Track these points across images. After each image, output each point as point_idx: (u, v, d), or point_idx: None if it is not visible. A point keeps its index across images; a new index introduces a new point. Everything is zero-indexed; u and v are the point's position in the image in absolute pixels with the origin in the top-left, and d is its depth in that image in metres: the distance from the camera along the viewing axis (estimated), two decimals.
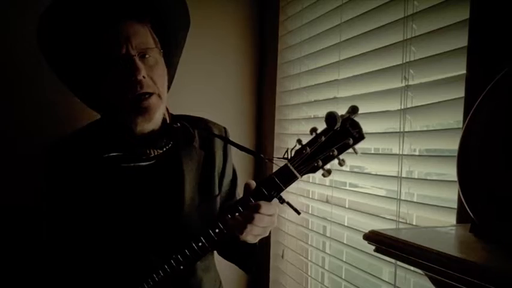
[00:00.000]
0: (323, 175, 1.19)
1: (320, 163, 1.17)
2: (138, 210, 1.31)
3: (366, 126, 1.53)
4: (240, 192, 1.52)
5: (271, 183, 1.19)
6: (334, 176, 1.68)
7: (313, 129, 1.17)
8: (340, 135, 1.15)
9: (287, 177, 1.19)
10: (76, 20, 1.29)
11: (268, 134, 2.15)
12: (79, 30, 1.29)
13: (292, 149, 1.19)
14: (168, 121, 1.41)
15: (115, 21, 1.28)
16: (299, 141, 1.19)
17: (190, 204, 1.37)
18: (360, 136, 1.16)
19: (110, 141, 1.35)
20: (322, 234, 1.82)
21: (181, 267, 1.22)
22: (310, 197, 1.93)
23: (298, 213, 1.25)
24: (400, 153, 1.34)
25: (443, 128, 1.28)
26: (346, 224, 1.65)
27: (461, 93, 1.12)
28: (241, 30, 2.16)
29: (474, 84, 1.07)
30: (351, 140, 1.15)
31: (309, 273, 1.93)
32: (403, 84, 1.34)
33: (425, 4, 1.28)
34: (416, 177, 1.38)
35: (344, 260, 1.64)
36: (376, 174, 1.49)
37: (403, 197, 1.34)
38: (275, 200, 1.22)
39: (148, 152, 1.35)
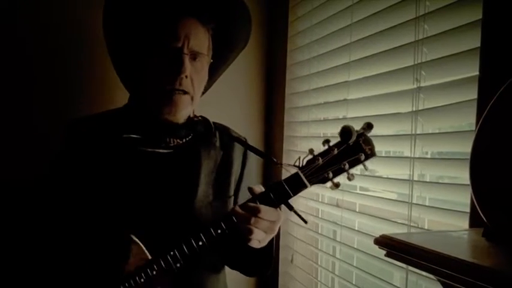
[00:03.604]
0: (331, 187, 1.20)
1: (330, 175, 1.19)
2: (150, 196, 1.32)
3: (377, 129, 1.52)
4: None
5: (280, 189, 1.20)
6: (344, 179, 1.66)
7: (326, 141, 1.19)
8: (352, 150, 1.17)
9: (297, 185, 1.20)
10: (144, 4, 1.35)
11: (277, 136, 2.14)
12: (144, 13, 1.34)
13: (304, 158, 1.20)
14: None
15: (181, 15, 1.32)
16: (311, 151, 1.20)
17: (202, 198, 1.38)
18: (371, 153, 1.18)
19: (131, 123, 1.39)
20: (332, 239, 1.80)
21: (179, 264, 1.21)
22: (320, 200, 1.91)
23: (305, 221, 1.25)
24: (412, 156, 1.32)
25: (456, 130, 1.26)
26: (356, 229, 1.63)
27: (474, 95, 1.10)
28: None
29: (487, 86, 1.05)
30: (363, 155, 1.17)
31: (319, 279, 1.91)
32: (415, 86, 1.32)
33: (437, 4, 1.26)
34: (428, 180, 1.36)
35: (354, 265, 1.62)
36: (387, 178, 1.48)
37: (414, 201, 1.32)
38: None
39: (167, 140, 1.39)
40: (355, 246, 1.62)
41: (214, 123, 1.50)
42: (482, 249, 0.82)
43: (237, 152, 1.50)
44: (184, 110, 1.37)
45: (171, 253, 1.20)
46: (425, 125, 1.31)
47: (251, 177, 1.54)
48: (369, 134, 1.17)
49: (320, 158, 1.18)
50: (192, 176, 1.39)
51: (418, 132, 1.32)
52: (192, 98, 1.36)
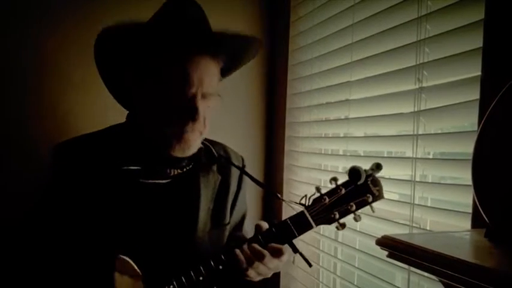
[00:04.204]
0: (337, 228, 1.20)
1: (337, 216, 1.18)
2: (148, 226, 1.26)
3: (379, 129, 1.53)
4: (247, 226, 1.52)
5: (285, 229, 1.19)
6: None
7: (334, 179, 1.17)
8: (360, 190, 1.17)
9: (302, 225, 1.19)
10: (150, 43, 1.23)
11: (279, 136, 2.14)
12: (151, 52, 1.22)
13: (310, 196, 1.19)
14: None
15: (192, 54, 1.20)
16: (318, 189, 1.19)
17: (202, 227, 1.34)
18: (379, 195, 1.18)
19: (130, 152, 1.30)
20: (333, 240, 1.79)
21: None
22: None
23: (310, 265, 1.23)
24: (414, 156, 1.32)
25: (458, 130, 1.26)
26: (358, 229, 1.63)
27: (476, 95, 1.10)
28: (251, 30, 2.13)
29: (489, 86, 1.05)
30: (371, 197, 1.17)
31: (321, 280, 1.90)
32: (417, 86, 1.31)
33: (439, 4, 1.26)
34: (430, 181, 1.36)
35: (356, 265, 1.62)
36: (389, 178, 1.47)
37: (416, 202, 1.32)
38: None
39: (168, 171, 1.31)
40: (357, 247, 1.62)
41: (212, 143, 1.43)
42: (484, 250, 0.81)
43: (234, 174, 1.45)
44: (195, 146, 1.28)
45: (171, 286, 1.17)
46: (427, 126, 1.31)
47: (245, 197, 1.51)
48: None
49: (327, 198, 1.17)
50: (192, 206, 1.34)
51: (420, 132, 1.31)
52: (201, 133, 1.27)
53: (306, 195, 1.20)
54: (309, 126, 1.94)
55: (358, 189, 1.16)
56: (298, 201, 1.21)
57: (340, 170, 1.77)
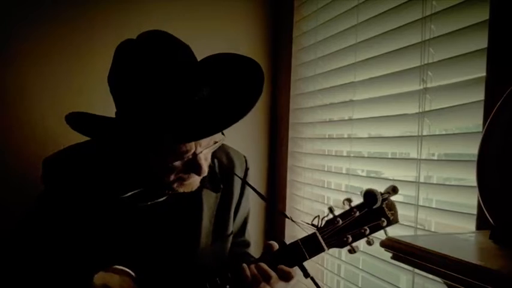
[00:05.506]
0: (349, 251, 1.17)
1: (350, 239, 1.15)
2: (148, 243, 1.24)
3: (383, 130, 1.52)
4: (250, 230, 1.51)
5: (296, 250, 1.17)
6: (349, 182, 1.65)
7: (348, 200, 1.15)
8: (374, 214, 1.14)
9: (313, 248, 1.16)
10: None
11: (282, 138, 2.13)
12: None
13: (323, 217, 1.17)
14: None
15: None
16: (331, 209, 1.17)
17: (205, 243, 1.31)
18: (394, 219, 1.15)
19: (127, 176, 1.24)
20: None
21: None
22: (326, 202, 1.90)
23: None
24: (418, 157, 1.31)
25: (463, 131, 1.25)
26: None
27: (481, 96, 1.09)
28: (254, 31, 2.14)
29: (494, 87, 1.05)
30: (385, 221, 1.14)
31: (324, 281, 1.90)
32: (421, 87, 1.31)
33: (444, 4, 1.25)
34: (434, 182, 1.35)
35: (360, 267, 1.61)
36: (393, 180, 1.46)
37: (421, 203, 1.31)
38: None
39: (167, 191, 1.23)
40: (361, 249, 1.61)
41: (214, 154, 1.32)
42: (490, 251, 0.81)
43: (237, 180, 1.40)
44: (198, 184, 1.23)
45: None
46: (432, 126, 1.30)
47: (249, 197, 1.46)
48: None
49: (340, 220, 1.14)
50: (193, 220, 1.29)
51: (424, 133, 1.30)
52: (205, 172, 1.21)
53: (318, 216, 1.17)
54: (312, 127, 1.93)
55: (372, 213, 1.14)
56: (310, 222, 1.18)
57: (344, 172, 1.76)
